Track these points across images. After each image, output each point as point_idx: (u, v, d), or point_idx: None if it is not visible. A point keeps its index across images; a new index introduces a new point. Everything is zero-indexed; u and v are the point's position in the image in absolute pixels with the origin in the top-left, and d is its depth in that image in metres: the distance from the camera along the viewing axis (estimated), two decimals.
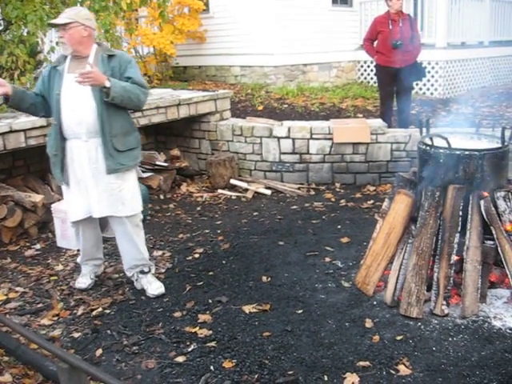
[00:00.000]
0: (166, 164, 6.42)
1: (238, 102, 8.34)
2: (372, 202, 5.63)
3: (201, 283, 3.89)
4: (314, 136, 6.24)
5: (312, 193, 6.10)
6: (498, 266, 3.36)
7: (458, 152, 3.31)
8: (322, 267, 4.06)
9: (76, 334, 3.27)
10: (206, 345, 3.08)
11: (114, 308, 3.58)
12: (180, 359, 2.95)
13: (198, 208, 5.77)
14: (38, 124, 4.71)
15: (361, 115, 7.62)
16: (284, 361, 2.89)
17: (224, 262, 4.26)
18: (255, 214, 5.47)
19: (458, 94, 9.79)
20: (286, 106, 8.15)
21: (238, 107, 8.02)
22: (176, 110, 6.32)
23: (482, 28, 10.59)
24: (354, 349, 2.96)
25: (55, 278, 4.12)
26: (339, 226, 4.95)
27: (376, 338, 3.05)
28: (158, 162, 6.32)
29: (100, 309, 3.57)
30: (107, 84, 3.19)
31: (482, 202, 3.27)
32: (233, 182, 6.37)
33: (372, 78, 10.24)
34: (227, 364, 2.88)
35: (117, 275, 4.06)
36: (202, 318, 3.38)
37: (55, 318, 3.49)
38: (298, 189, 6.19)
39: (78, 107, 3.34)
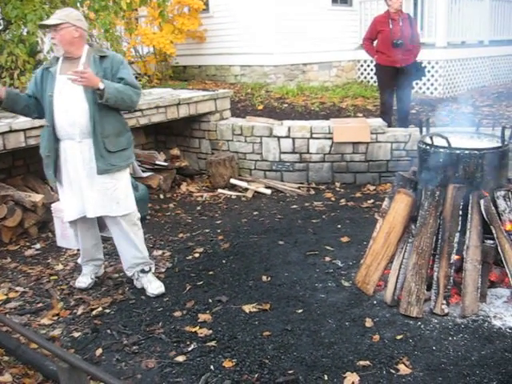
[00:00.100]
0: (165, 163, 6.42)
1: (237, 102, 8.34)
2: (372, 201, 5.63)
3: (201, 283, 3.89)
4: (314, 135, 6.24)
5: (312, 192, 6.10)
6: (498, 265, 3.36)
7: (458, 151, 3.31)
8: (322, 267, 4.06)
9: (76, 334, 3.27)
10: (206, 344, 3.08)
11: (113, 307, 3.58)
12: (180, 359, 2.95)
13: (198, 207, 5.77)
14: (37, 124, 4.71)
15: (361, 114, 7.62)
16: (284, 360, 2.89)
17: (224, 261, 4.26)
18: (255, 213, 5.47)
19: (458, 93, 9.79)
20: (286, 105, 8.15)
21: (237, 107, 8.02)
22: (176, 109, 6.32)
23: (481, 27, 10.58)
24: (354, 348, 2.96)
25: (55, 277, 4.12)
26: (339, 226, 4.95)
27: (376, 337, 3.05)
28: (157, 162, 6.31)
29: (100, 308, 3.57)
30: (101, 86, 3.20)
31: (481, 202, 3.27)
32: (233, 181, 6.37)
33: (372, 78, 10.23)
34: (227, 363, 2.88)
35: (117, 275, 4.06)
36: (202, 317, 3.38)
37: (55, 318, 3.49)
38: (298, 188, 6.19)
39: (70, 108, 3.35)
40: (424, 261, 3.27)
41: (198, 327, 3.26)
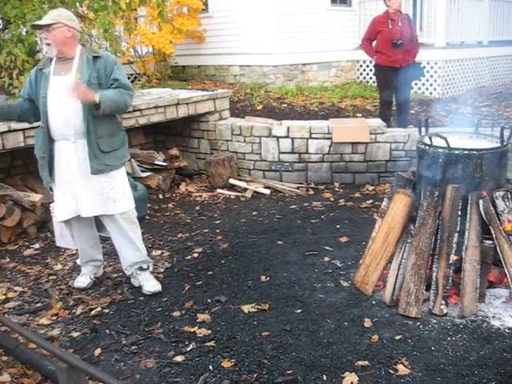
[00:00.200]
0: (164, 163, 6.42)
1: (237, 102, 8.34)
2: (371, 201, 5.63)
3: (200, 283, 3.89)
4: (313, 135, 6.24)
5: (311, 192, 6.10)
6: (497, 265, 3.36)
7: (457, 152, 3.31)
8: (320, 267, 4.06)
9: (75, 334, 3.27)
10: (204, 344, 3.08)
11: (112, 307, 3.58)
12: (179, 359, 2.95)
13: (197, 207, 5.77)
14: (36, 124, 4.69)
15: (360, 115, 7.62)
16: (283, 360, 2.89)
17: (223, 261, 4.26)
18: (254, 213, 5.47)
19: (457, 93, 9.80)
20: (285, 105, 8.15)
21: (237, 107, 8.02)
22: (175, 109, 6.32)
23: (481, 28, 10.60)
24: (352, 348, 2.96)
25: (54, 277, 4.12)
26: (338, 226, 4.95)
27: (375, 337, 3.05)
28: (156, 162, 6.31)
29: (99, 308, 3.56)
30: (96, 99, 3.23)
31: (480, 202, 3.27)
32: (232, 181, 6.37)
33: (371, 78, 10.24)
34: (226, 363, 2.88)
35: (116, 275, 4.06)
36: (200, 317, 3.38)
37: (54, 318, 3.49)
38: (297, 188, 6.19)
39: (64, 109, 3.37)
40: (423, 261, 3.27)
41: (196, 327, 3.26)
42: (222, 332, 3.20)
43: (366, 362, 2.82)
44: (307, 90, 9.27)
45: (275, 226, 5.03)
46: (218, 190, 6.29)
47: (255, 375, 2.76)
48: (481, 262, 3.25)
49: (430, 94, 9.52)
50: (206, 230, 5.01)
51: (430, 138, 3.49)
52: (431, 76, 9.50)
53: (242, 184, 6.31)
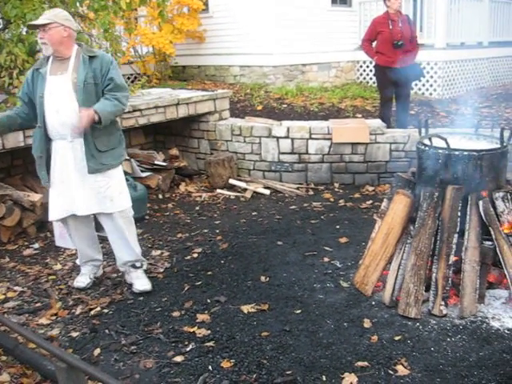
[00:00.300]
0: (164, 163, 6.42)
1: (237, 102, 8.34)
2: (371, 202, 5.63)
3: (199, 283, 3.89)
4: (312, 136, 6.24)
5: (311, 193, 6.10)
6: (497, 266, 3.36)
7: (456, 152, 3.31)
8: (320, 267, 4.06)
9: (74, 334, 3.27)
10: (204, 344, 3.08)
11: (112, 307, 3.58)
12: (178, 359, 2.95)
13: (197, 208, 5.77)
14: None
15: (360, 115, 7.62)
16: (282, 361, 2.89)
17: (222, 261, 4.26)
18: (254, 213, 5.47)
19: (457, 94, 9.79)
20: (285, 105, 8.15)
21: (237, 107, 8.02)
22: (175, 109, 6.32)
23: (481, 28, 10.59)
24: (352, 349, 2.96)
25: (53, 277, 4.12)
26: (338, 226, 4.95)
27: (374, 338, 3.05)
28: (156, 162, 6.31)
29: (98, 308, 3.56)
30: (96, 118, 3.29)
31: (480, 203, 3.27)
32: (232, 181, 6.37)
33: (371, 79, 10.23)
34: (225, 364, 2.88)
35: (115, 275, 4.06)
36: (200, 317, 3.38)
37: (53, 318, 3.49)
38: (297, 189, 6.19)
39: (61, 109, 3.39)
40: (422, 262, 3.27)
41: (196, 327, 3.26)
42: (222, 332, 3.20)
43: (366, 363, 2.82)
44: (307, 90, 9.27)
45: (275, 227, 5.03)
46: (218, 191, 6.29)
47: (254, 375, 2.76)
48: (480, 262, 3.26)
49: (430, 94, 9.52)
50: (205, 230, 5.01)
51: (430, 139, 3.50)
52: (431, 77, 9.50)
53: (242, 184, 6.31)
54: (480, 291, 3.26)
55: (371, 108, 8.03)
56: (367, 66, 10.45)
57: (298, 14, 9.53)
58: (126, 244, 3.69)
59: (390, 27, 6.53)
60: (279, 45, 9.42)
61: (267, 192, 6.13)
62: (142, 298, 3.68)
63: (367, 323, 3.21)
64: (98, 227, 3.96)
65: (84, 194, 3.51)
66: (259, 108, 8.01)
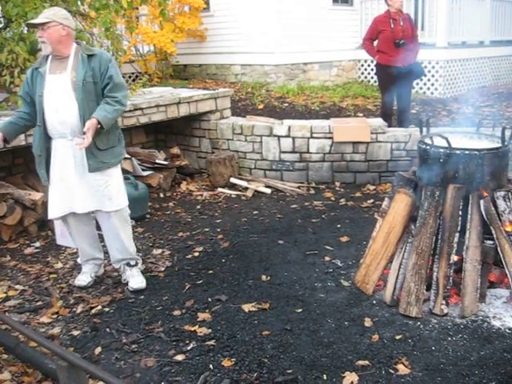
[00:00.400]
0: (165, 162, 6.41)
1: (238, 101, 8.34)
2: (372, 201, 5.62)
3: (200, 282, 3.89)
4: (314, 135, 6.23)
5: (312, 192, 6.10)
6: (498, 265, 3.36)
7: (458, 151, 3.31)
8: (321, 266, 4.06)
9: (75, 332, 3.27)
10: (205, 343, 3.08)
11: (113, 306, 3.59)
12: (179, 357, 2.95)
13: (198, 206, 5.77)
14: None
15: (361, 114, 7.62)
16: (283, 360, 2.89)
17: (223, 260, 4.26)
18: (255, 212, 5.47)
19: (459, 93, 9.78)
20: (286, 104, 8.15)
21: (238, 106, 8.02)
22: (176, 108, 6.32)
23: (482, 27, 10.57)
24: (353, 348, 2.96)
25: (55, 276, 4.12)
26: (339, 225, 4.95)
27: (375, 337, 3.05)
28: (157, 161, 6.31)
29: (99, 307, 3.57)
30: (99, 126, 3.30)
31: (481, 202, 3.27)
32: (233, 180, 6.37)
33: (372, 77, 10.22)
34: (226, 362, 2.88)
35: (116, 273, 4.05)
36: (201, 316, 3.38)
37: (54, 316, 3.49)
38: (298, 188, 6.19)
39: (61, 108, 3.40)
40: (423, 261, 3.27)
41: (197, 326, 3.26)
42: (223, 331, 3.20)
43: (367, 362, 2.82)
44: (308, 89, 9.26)
45: (276, 226, 5.03)
46: (219, 189, 6.29)
47: (255, 374, 2.76)
48: (482, 262, 3.25)
49: (432, 93, 9.51)
50: (206, 229, 5.02)
51: (431, 138, 3.49)
52: (432, 76, 9.49)
53: (243, 183, 6.31)
54: (481, 290, 3.26)
55: (372, 107, 8.03)
56: (368, 65, 10.44)
57: (300, 13, 9.52)
58: (120, 243, 3.72)
59: (392, 26, 6.53)
60: (280, 44, 9.41)
61: (268, 191, 6.13)
62: (142, 297, 3.68)
63: (368, 322, 3.21)
64: (99, 226, 3.97)
65: (83, 191, 3.52)
66: (260, 107, 8.01)
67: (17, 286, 3.94)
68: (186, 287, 3.81)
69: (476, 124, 3.93)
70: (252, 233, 4.86)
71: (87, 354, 3.03)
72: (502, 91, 9.73)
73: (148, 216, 5.42)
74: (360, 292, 3.58)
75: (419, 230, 3.31)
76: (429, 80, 9.49)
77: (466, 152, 3.29)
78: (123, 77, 3.73)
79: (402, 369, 2.75)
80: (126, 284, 3.84)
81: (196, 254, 4.44)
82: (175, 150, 6.76)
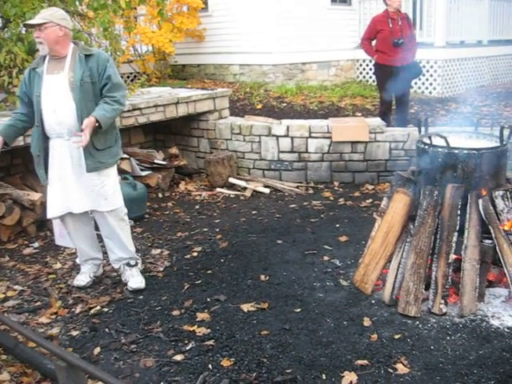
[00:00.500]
0: (164, 162, 6.41)
1: (236, 101, 8.33)
2: (370, 200, 5.63)
3: (199, 282, 3.89)
4: (312, 135, 6.24)
5: (310, 191, 6.10)
6: (496, 265, 3.37)
7: (456, 151, 3.31)
8: (320, 266, 4.06)
9: (74, 333, 3.27)
10: (204, 343, 3.08)
11: (112, 306, 3.58)
12: (178, 357, 2.95)
13: (197, 206, 5.77)
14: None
15: (359, 114, 7.62)
16: (282, 359, 2.89)
17: (222, 260, 4.26)
18: (254, 212, 5.47)
19: (457, 93, 9.79)
20: (284, 104, 8.15)
21: (236, 106, 8.02)
22: (174, 108, 6.32)
23: (481, 27, 10.58)
24: (352, 347, 2.96)
25: (53, 276, 4.12)
26: (338, 225, 4.95)
27: (374, 336, 3.05)
28: (156, 161, 6.31)
29: (98, 307, 3.56)
30: (97, 124, 3.31)
31: (480, 201, 3.27)
32: (231, 180, 6.37)
33: (371, 77, 10.23)
34: (225, 362, 2.88)
35: (115, 273, 4.05)
36: (200, 316, 3.38)
37: (53, 317, 3.49)
38: (297, 187, 6.19)
39: (58, 108, 3.41)
40: (422, 260, 3.27)
41: (196, 326, 3.26)
42: (222, 331, 3.20)
43: (366, 361, 2.82)
44: (307, 89, 9.26)
45: (275, 225, 5.03)
46: (218, 189, 6.29)
47: (254, 374, 2.76)
48: (480, 261, 3.26)
49: (430, 93, 9.52)
50: (205, 229, 5.01)
51: (430, 138, 3.50)
52: (431, 75, 9.50)
53: (242, 183, 6.31)
54: (480, 290, 3.26)
55: (371, 106, 8.03)
56: (367, 65, 10.45)
57: (298, 13, 9.52)
58: (119, 242, 3.73)
59: (390, 26, 6.53)
60: (279, 43, 9.41)
61: (267, 191, 6.13)
62: (141, 297, 3.68)
63: (367, 322, 3.21)
64: (97, 226, 3.97)
65: (79, 191, 3.54)
66: (259, 107, 8.01)
67: (15, 287, 3.94)
68: (185, 287, 3.81)
69: (474, 123, 3.94)
70: (251, 233, 4.86)
71: (86, 354, 3.03)
72: (500, 90, 9.74)
73: (147, 216, 5.41)
74: (359, 291, 3.58)
75: (418, 230, 3.31)
76: (427, 79, 9.50)
77: (465, 151, 3.30)
78: (121, 77, 3.73)
79: (401, 368, 2.75)
80: (125, 284, 3.84)
81: (195, 254, 4.43)
82: (174, 150, 6.76)
